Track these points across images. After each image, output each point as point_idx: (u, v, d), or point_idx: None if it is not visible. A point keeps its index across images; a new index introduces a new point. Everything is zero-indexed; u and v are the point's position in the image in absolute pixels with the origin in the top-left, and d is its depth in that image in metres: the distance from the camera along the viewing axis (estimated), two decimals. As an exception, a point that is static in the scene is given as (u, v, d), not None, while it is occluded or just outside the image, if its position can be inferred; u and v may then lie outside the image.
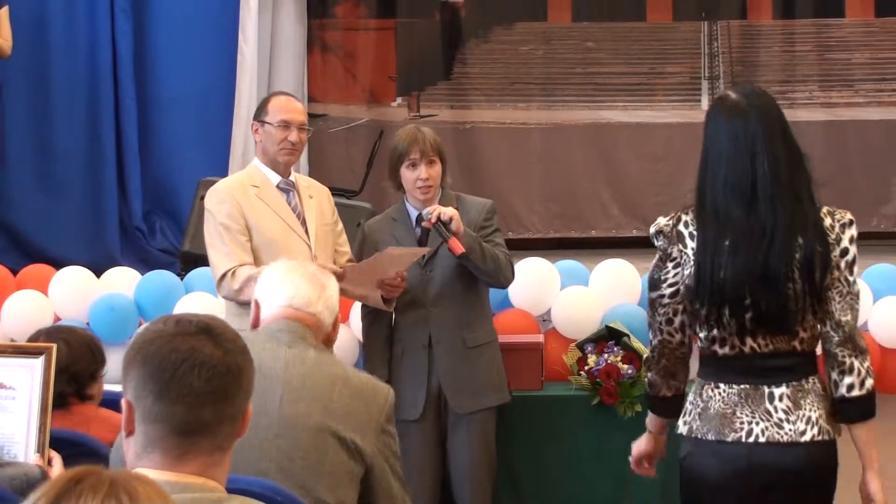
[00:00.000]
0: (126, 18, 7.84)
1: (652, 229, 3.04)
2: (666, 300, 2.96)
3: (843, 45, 9.86)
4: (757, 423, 2.85)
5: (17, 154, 7.47)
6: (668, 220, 2.99)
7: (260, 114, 4.45)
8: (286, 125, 4.37)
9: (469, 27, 9.86)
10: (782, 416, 2.84)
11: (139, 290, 5.48)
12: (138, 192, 7.83)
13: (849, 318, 2.90)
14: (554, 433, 5.07)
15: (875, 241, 9.44)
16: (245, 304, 4.01)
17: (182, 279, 5.67)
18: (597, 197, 9.57)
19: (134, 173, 7.82)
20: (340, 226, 4.59)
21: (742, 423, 2.86)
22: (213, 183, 6.49)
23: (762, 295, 2.82)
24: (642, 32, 9.91)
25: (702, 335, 2.95)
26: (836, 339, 2.89)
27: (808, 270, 2.84)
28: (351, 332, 5.19)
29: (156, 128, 8.00)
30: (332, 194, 4.65)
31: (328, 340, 2.99)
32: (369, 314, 4.58)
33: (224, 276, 4.24)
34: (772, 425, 2.84)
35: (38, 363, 2.91)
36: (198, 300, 5.30)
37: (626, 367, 5.01)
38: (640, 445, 3.27)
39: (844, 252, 2.91)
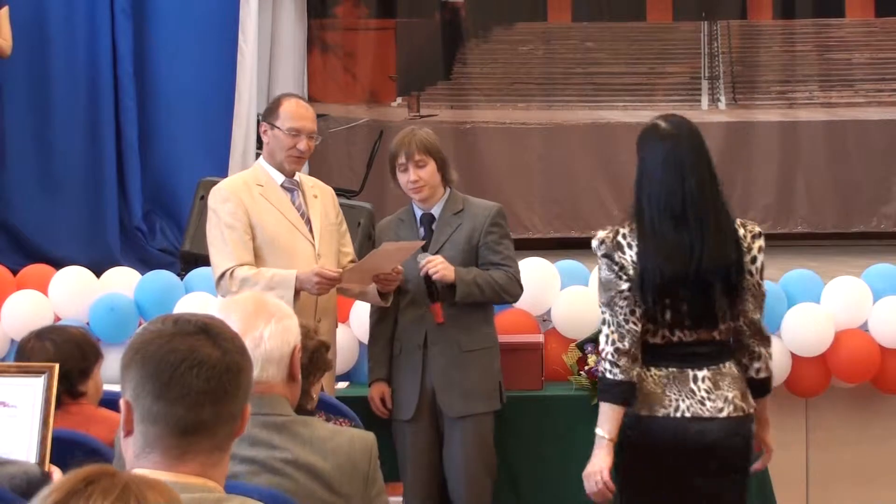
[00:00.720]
0: (126, 18, 7.83)
1: (594, 242, 3.44)
2: (626, 293, 3.35)
3: (843, 45, 9.87)
4: (683, 401, 3.33)
5: (17, 154, 7.46)
6: (608, 233, 3.42)
7: (270, 116, 4.40)
8: (296, 133, 4.33)
9: (469, 27, 9.86)
10: (704, 395, 3.33)
11: (139, 290, 5.48)
12: (138, 192, 7.82)
13: (759, 315, 3.44)
14: (554, 433, 5.06)
15: (875, 241, 9.45)
16: None
17: (182, 279, 5.67)
18: (597, 197, 9.57)
19: (134, 173, 7.81)
20: (345, 226, 4.58)
21: (671, 400, 3.33)
22: (213, 183, 6.50)
23: (693, 295, 3.32)
24: (642, 32, 9.92)
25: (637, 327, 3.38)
26: (748, 332, 3.44)
27: (728, 275, 3.34)
28: (351, 332, 5.19)
29: (156, 128, 8.00)
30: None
31: (292, 378, 2.65)
32: (376, 313, 4.60)
33: (223, 275, 4.21)
34: (696, 402, 3.32)
35: (39, 381, 2.94)
36: (198, 300, 5.30)
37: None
38: (602, 460, 3.37)
39: (754, 259, 3.42)
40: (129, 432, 1.86)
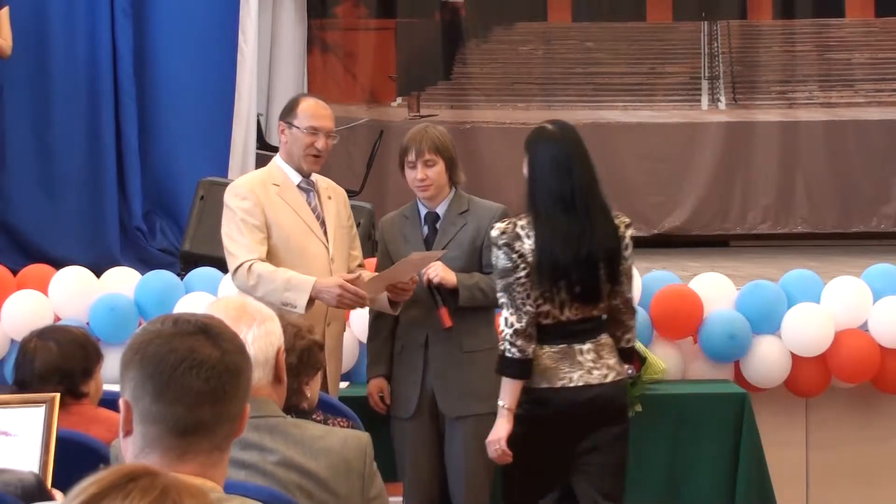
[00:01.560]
0: (126, 18, 7.83)
1: (494, 233, 3.86)
2: (523, 279, 3.78)
3: (843, 45, 9.87)
4: (575, 372, 3.81)
5: (17, 154, 7.46)
6: (508, 225, 3.85)
7: (288, 115, 4.40)
8: (314, 131, 4.34)
9: (469, 27, 9.86)
10: (591, 364, 3.82)
11: (139, 290, 5.48)
12: (138, 192, 7.82)
13: (631, 294, 3.96)
14: (554, 433, 5.07)
15: (875, 241, 9.46)
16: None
17: (182, 279, 5.66)
18: (597, 197, 9.57)
19: (134, 173, 7.81)
20: (355, 230, 4.59)
21: (565, 372, 3.81)
22: (213, 183, 6.55)
23: (584, 277, 3.78)
24: (642, 32, 9.92)
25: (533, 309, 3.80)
26: (623, 309, 3.93)
27: (611, 259, 3.82)
28: (351, 332, 5.19)
29: (156, 128, 8.00)
30: (332, 194, 4.64)
31: (278, 380, 2.63)
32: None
33: (240, 266, 4.19)
34: (585, 372, 3.81)
35: (40, 411, 2.98)
36: (198, 300, 5.30)
37: (626, 367, 5.00)
38: (502, 429, 3.86)
39: (627, 247, 3.90)
40: (128, 432, 1.86)
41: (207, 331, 1.87)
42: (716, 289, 5.47)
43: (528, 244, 3.78)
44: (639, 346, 5.10)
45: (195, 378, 1.82)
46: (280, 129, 4.43)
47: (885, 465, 5.48)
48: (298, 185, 4.38)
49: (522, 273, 3.78)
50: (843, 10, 9.86)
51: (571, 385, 3.80)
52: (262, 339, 2.57)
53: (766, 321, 5.35)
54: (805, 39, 9.87)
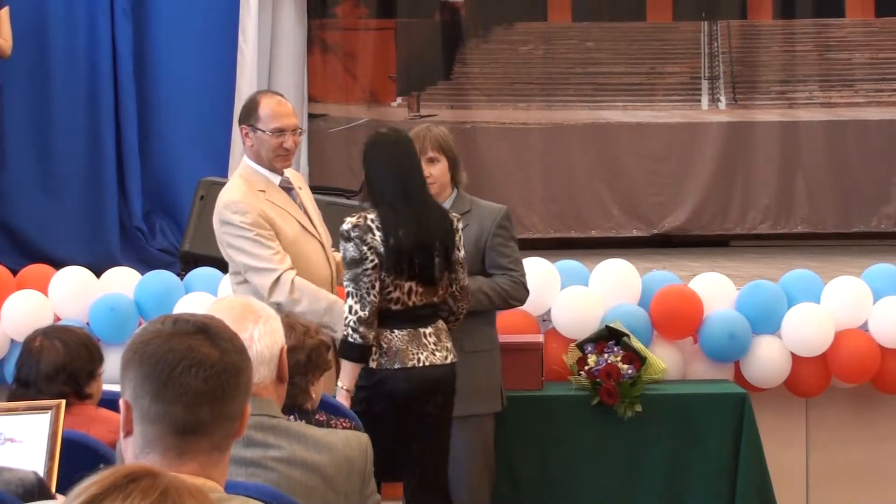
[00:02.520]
0: (126, 18, 7.84)
1: (345, 227, 4.08)
2: (370, 272, 4.05)
3: (843, 45, 9.87)
4: (422, 353, 4.12)
5: (17, 154, 7.46)
6: (358, 219, 4.09)
7: (249, 118, 4.29)
8: (280, 132, 4.25)
9: (469, 27, 9.86)
10: (434, 347, 4.14)
11: (139, 290, 5.48)
12: (138, 192, 7.83)
13: (468, 283, 4.26)
14: (554, 433, 5.07)
15: (875, 241, 9.46)
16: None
17: (182, 279, 5.67)
18: (597, 197, 9.57)
19: (134, 173, 7.82)
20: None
21: (414, 353, 4.11)
22: (213, 183, 6.54)
23: (424, 264, 4.09)
24: (642, 32, 9.92)
25: (379, 298, 4.09)
26: (459, 296, 4.23)
27: (445, 248, 4.14)
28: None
29: (156, 128, 8.00)
30: (333, 194, 4.66)
31: (281, 379, 2.64)
32: None
33: (280, 278, 4.14)
34: (429, 353, 4.12)
35: (46, 417, 2.97)
36: (198, 300, 5.30)
37: (626, 367, 5.01)
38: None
39: (460, 238, 4.22)
40: (128, 433, 1.86)
41: (206, 330, 1.86)
42: (716, 289, 5.47)
43: (378, 237, 4.06)
44: (639, 346, 5.11)
45: (194, 378, 1.82)
46: (243, 132, 4.31)
47: (885, 465, 5.48)
48: (280, 185, 4.33)
49: (370, 265, 4.04)
50: (843, 10, 9.86)
51: (420, 365, 4.10)
52: (267, 336, 2.56)
53: (766, 321, 5.35)
54: (805, 39, 9.87)
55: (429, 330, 4.15)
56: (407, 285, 4.10)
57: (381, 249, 4.05)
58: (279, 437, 2.56)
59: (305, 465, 2.55)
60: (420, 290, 4.12)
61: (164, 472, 1.52)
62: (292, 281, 4.15)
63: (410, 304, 4.12)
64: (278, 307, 3.90)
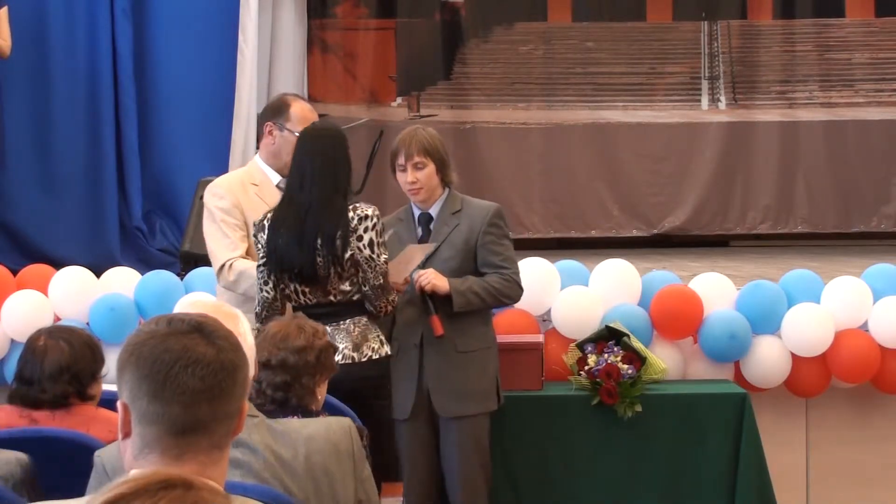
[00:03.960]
0: (126, 18, 7.84)
1: (253, 228, 4.16)
2: (261, 268, 4.12)
3: (843, 45, 9.87)
4: None
5: (17, 154, 7.47)
6: (262, 217, 4.14)
7: (278, 116, 4.42)
8: None
9: (469, 27, 9.86)
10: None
11: (139, 290, 5.48)
12: (138, 192, 7.83)
13: (380, 282, 4.13)
14: (554, 433, 5.06)
15: (875, 241, 9.46)
16: (241, 296, 4.30)
17: (182, 279, 5.67)
18: (597, 197, 9.57)
19: (134, 173, 7.82)
20: None
21: None
22: (213, 183, 6.55)
23: (301, 260, 4.06)
24: (642, 32, 9.92)
25: (273, 294, 4.15)
26: (374, 296, 4.14)
27: (331, 245, 4.06)
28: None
29: (156, 128, 8.00)
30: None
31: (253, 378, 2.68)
32: None
33: (223, 266, 4.36)
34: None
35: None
36: (198, 300, 5.29)
37: (626, 367, 5.01)
38: None
39: (360, 238, 4.10)
40: (127, 434, 1.85)
41: (202, 329, 1.86)
42: (716, 289, 5.47)
43: (263, 236, 4.14)
44: (639, 346, 5.11)
45: (191, 377, 1.82)
46: (268, 129, 4.44)
47: (885, 465, 5.48)
48: (277, 185, 4.43)
49: (261, 262, 4.14)
50: (843, 10, 9.86)
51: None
52: (249, 333, 2.61)
53: (766, 321, 5.35)
54: (805, 39, 9.87)
55: (328, 329, 3.90)
56: (292, 285, 4.14)
57: (266, 249, 4.13)
58: (262, 433, 2.56)
59: (281, 460, 2.55)
60: (306, 289, 4.14)
61: (202, 484, 1.50)
62: (231, 265, 4.34)
63: (303, 302, 4.15)
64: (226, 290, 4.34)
